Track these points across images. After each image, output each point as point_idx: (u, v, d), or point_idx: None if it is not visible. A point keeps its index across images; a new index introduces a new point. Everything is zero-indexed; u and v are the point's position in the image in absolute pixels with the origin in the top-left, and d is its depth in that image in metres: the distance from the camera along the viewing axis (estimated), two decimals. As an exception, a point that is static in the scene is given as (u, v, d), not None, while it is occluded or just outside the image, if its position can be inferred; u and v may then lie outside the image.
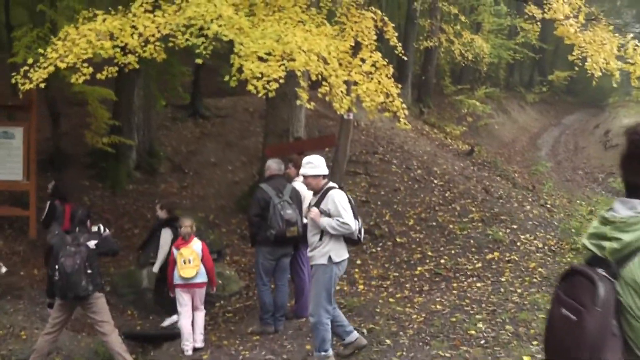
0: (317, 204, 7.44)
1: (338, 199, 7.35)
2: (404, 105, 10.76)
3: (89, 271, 8.06)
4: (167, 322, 10.85)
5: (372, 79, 10.30)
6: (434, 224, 14.01)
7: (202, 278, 9.41)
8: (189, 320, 9.31)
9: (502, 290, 9.99)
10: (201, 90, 23.44)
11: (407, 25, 29.52)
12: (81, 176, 18.57)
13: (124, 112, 18.66)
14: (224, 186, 18.03)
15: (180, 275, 9.21)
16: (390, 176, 17.00)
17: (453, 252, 12.39)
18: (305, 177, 7.61)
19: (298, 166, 9.64)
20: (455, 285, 10.68)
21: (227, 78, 9.31)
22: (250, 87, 9.14)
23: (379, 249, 13.33)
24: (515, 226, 13.58)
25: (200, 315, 9.55)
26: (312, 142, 12.64)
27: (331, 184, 7.68)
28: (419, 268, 11.83)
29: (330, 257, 7.37)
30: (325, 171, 7.58)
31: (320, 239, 7.40)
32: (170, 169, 19.22)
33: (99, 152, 18.30)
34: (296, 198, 9.04)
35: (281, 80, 9.15)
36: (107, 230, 8.95)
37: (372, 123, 21.87)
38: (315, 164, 7.50)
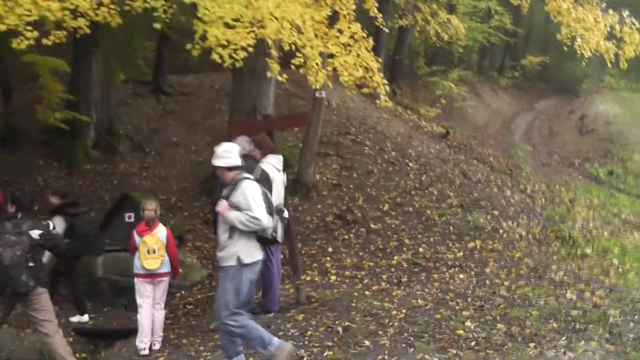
0: (227, 197, 6.51)
1: (249, 191, 6.45)
2: (384, 81, 9.85)
3: (31, 264, 7.08)
4: (75, 319, 10.02)
5: (350, 51, 9.35)
6: (411, 209, 13.19)
7: (166, 268, 8.55)
8: (149, 315, 8.43)
9: (487, 282, 9.22)
10: (164, 66, 22.31)
11: (380, 2, 28.60)
12: (35, 155, 17.45)
13: (81, 86, 17.55)
14: (187, 167, 17.03)
15: (142, 266, 8.35)
16: (363, 158, 16.14)
17: (432, 239, 11.59)
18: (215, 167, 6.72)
19: (264, 147, 8.74)
20: (436, 276, 9.88)
21: (189, 46, 8.30)
22: (214, 56, 8.13)
23: (351, 235, 12.48)
24: (496, 212, 12.85)
25: (160, 315, 8.67)
26: (281, 121, 11.58)
27: (244, 174, 6.68)
28: (395, 257, 11.00)
29: (239, 258, 6.41)
30: (238, 162, 6.62)
31: (230, 237, 6.46)
32: (131, 148, 18.17)
33: (55, 130, 17.18)
34: (266, 181, 8.12)
35: (250, 49, 8.16)
36: (56, 228, 7.92)
37: (344, 103, 20.99)
38: (228, 155, 6.59)
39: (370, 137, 17.60)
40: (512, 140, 29.01)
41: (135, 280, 8.53)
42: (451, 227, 11.96)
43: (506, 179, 16.40)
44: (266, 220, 6.48)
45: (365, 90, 10.20)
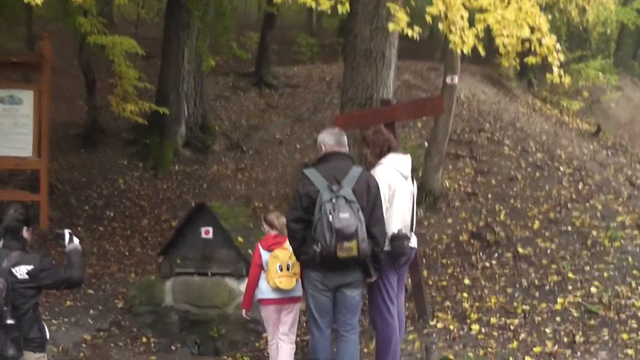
0: None
1: None
2: (558, 46, 6.88)
3: (9, 321, 4.53)
4: None
5: (509, 3, 6.46)
6: (569, 228, 10.12)
7: (300, 291, 6.62)
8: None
9: None
10: (269, 56, 19.96)
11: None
12: (120, 154, 15.52)
13: (171, 76, 15.39)
14: (290, 169, 14.51)
15: (275, 286, 6.47)
16: (502, 161, 13.14)
17: (605, 275, 8.48)
18: None
19: (380, 143, 6.24)
20: (625, 337, 6.83)
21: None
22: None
23: (494, 262, 9.55)
24: (686, 236, 9.60)
25: (288, 349, 6.72)
26: (407, 109, 8.48)
27: None
28: (559, 299, 7.97)
29: None
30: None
31: None
32: (226, 147, 15.88)
33: (143, 127, 15.16)
34: (367, 192, 5.41)
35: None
36: (75, 240, 5.21)
37: (474, 95, 18.03)
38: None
39: (509, 135, 14.56)
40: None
41: (261, 307, 6.77)
42: (630, 258, 8.82)
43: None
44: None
45: (532, 59, 7.21)
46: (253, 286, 6.68)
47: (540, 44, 6.60)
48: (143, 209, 13.34)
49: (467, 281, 9.03)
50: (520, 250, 9.66)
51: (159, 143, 15.27)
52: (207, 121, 16.33)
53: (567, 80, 6.98)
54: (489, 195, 11.87)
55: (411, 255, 6.25)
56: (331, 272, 5.35)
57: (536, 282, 8.57)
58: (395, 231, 5.85)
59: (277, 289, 6.48)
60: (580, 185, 11.82)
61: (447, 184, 12.36)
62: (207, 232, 8.66)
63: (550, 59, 6.76)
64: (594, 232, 9.78)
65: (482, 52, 7.16)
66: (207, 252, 8.66)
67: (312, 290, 5.50)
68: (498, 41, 6.50)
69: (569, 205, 10.96)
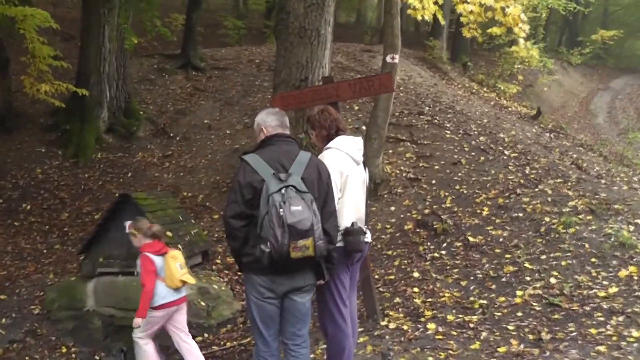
0: None
1: None
2: (523, 17, 6.23)
3: None
4: None
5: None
6: (520, 214, 9.56)
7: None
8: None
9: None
10: (195, 37, 18.99)
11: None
12: (38, 141, 14.41)
13: (91, 56, 14.32)
14: (220, 156, 13.65)
15: (181, 280, 6.40)
16: (444, 144, 12.54)
17: (563, 263, 7.93)
18: None
19: (325, 125, 5.46)
20: (593, 331, 6.26)
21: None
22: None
23: (443, 252, 8.93)
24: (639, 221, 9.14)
25: (196, 347, 6.63)
26: (352, 87, 7.47)
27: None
28: (518, 292, 7.38)
29: None
30: None
31: None
32: (152, 133, 14.94)
33: (63, 112, 14.11)
34: (318, 181, 4.66)
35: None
36: None
37: (410, 77, 17.42)
38: None
39: (450, 119, 13.96)
40: (597, 123, 25.11)
41: (154, 313, 6.35)
42: (586, 245, 8.28)
43: (628, 171, 12.62)
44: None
45: (496, 29, 6.56)
46: (151, 294, 6.29)
47: (505, 13, 5.93)
48: (63, 201, 12.31)
49: (416, 274, 8.38)
50: (471, 239, 9.06)
51: (79, 129, 14.26)
52: (131, 105, 15.35)
53: (534, 52, 6.34)
54: (433, 181, 11.26)
55: (365, 251, 5.53)
56: (281, 276, 4.52)
57: (491, 273, 7.97)
58: (349, 225, 5.12)
59: (176, 290, 6.38)
60: (527, 170, 11.29)
61: (388, 170, 11.71)
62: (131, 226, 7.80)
63: (516, 30, 6.11)
64: (547, 219, 9.23)
65: (442, 21, 6.45)
66: (133, 249, 7.79)
67: (256, 298, 4.62)
68: (460, 8, 5.80)
69: (518, 190, 10.41)
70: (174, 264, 6.37)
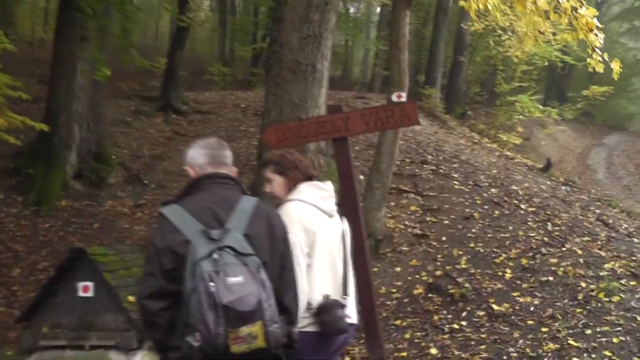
0: None
1: None
2: (596, 22, 4.91)
3: None
4: None
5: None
6: (551, 278, 8.14)
7: None
8: None
9: None
10: (178, 78, 17.72)
11: (437, 13, 24.24)
12: (-2, 185, 12.87)
13: (61, 92, 12.98)
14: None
15: None
16: (453, 196, 11.18)
17: (615, 341, 6.49)
18: None
19: (292, 169, 4.16)
20: None
21: None
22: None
23: (464, 323, 7.46)
24: (691, 287, 7.75)
25: None
26: (366, 118, 5.82)
27: None
28: (566, 377, 5.95)
29: None
30: None
31: None
32: (124, 180, 13.50)
33: (27, 154, 12.70)
34: (270, 238, 3.19)
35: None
36: None
37: (408, 127, 16.12)
38: None
39: (456, 169, 12.64)
40: (597, 179, 23.96)
41: None
42: (638, 317, 6.88)
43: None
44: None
45: (566, 36, 5.22)
46: None
47: (576, 14, 4.59)
48: (17, 254, 10.77)
49: (434, 350, 6.91)
50: (495, 307, 7.62)
51: (44, 173, 12.80)
52: (103, 149, 13.89)
53: (615, 66, 5.03)
54: (443, 238, 9.85)
55: (350, 335, 4.08)
56: None
57: (529, 351, 6.50)
58: (322, 298, 3.82)
59: None
60: (550, 226, 9.92)
61: (391, 224, 10.31)
62: (85, 288, 6.30)
63: (590, 38, 4.77)
64: (583, 284, 7.82)
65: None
66: (86, 317, 6.28)
67: None
68: (521, 7, 4.48)
69: (543, 250, 9.01)
70: None
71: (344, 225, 4.19)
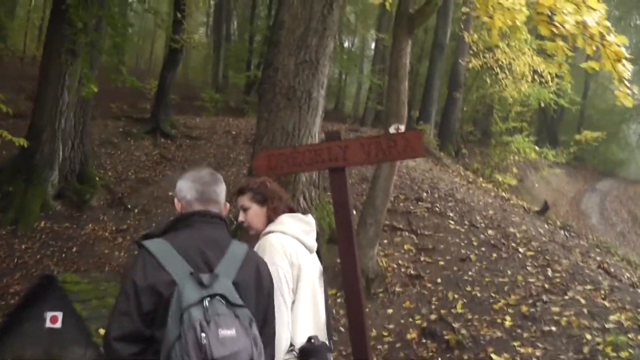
0: None
1: None
2: (624, 51, 4.50)
3: None
4: None
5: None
6: (554, 328, 7.67)
7: None
8: None
9: None
10: (168, 102, 17.27)
11: (433, 49, 24.01)
12: (-23, 204, 12.33)
13: (47, 109, 12.54)
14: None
15: None
16: (449, 236, 10.72)
17: (624, 400, 6.03)
18: None
19: (271, 199, 3.78)
20: None
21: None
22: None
23: (462, 375, 6.98)
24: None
25: None
26: (366, 147, 5.38)
27: None
28: None
29: None
30: None
31: None
32: (107, 203, 12.98)
33: (8, 172, 12.22)
34: (257, 289, 2.83)
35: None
36: None
37: (402, 162, 15.69)
38: None
39: (452, 207, 12.19)
40: (592, 224, 23.62)
41: None
42: (646, 375, 6.43)
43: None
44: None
45: (592, 64, 4.78)
46: None
47: (604, 41, 4.18)
48: (-11, 276, 10.22)
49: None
50: (494, 357, 7.13)
51: (24, 191, 12.28)
52: (87, 169, 13.39)
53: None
54: (438, 280, 9.38)
55: None
56: None
57: (532, 411, 6.02)
58: (306, 341, 3.40)
59: None
60: (550, 272, 9.46)
61: (384, 263, 9.83)
62: (54, 319, 5.77)
63: (619, 67, 4.36)
64: (588, 336, 7.35)
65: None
66: (52, 350, 5.75)
67: None
68: (545, 31, 4.06)
69: (544, 297, 8.54)
70: None
71: (320, 264, 3.80)
